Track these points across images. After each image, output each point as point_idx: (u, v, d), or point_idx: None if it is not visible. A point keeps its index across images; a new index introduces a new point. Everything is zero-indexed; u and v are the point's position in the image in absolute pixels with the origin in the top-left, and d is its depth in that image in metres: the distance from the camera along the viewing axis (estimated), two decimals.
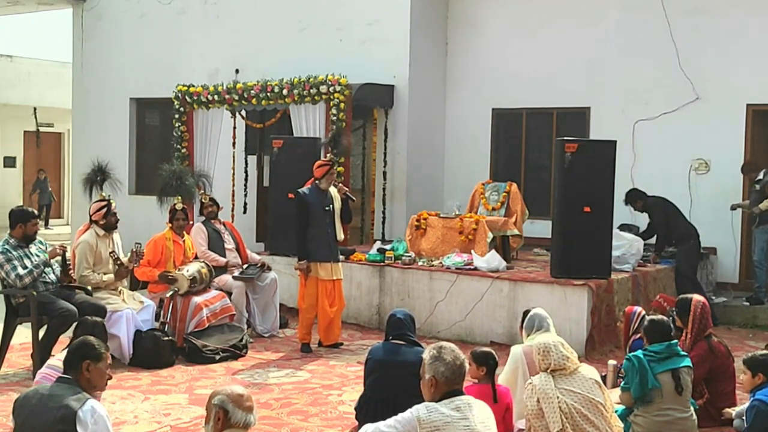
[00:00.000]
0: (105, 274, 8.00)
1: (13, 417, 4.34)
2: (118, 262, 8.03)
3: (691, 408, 5.74)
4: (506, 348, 7.43)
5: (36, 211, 7.79)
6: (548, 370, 5.19)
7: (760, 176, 10.23)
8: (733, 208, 10.57)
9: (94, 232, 8.02)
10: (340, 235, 8.70)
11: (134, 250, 8.07)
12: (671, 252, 10.47)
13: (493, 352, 5.70)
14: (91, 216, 8.11)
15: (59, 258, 7.67)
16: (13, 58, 20.51)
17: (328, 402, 6.89)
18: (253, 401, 3.96)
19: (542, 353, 5.23)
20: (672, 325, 5.96)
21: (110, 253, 8.01)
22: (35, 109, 15.28)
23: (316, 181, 8.57)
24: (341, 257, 9.36)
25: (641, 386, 5.59)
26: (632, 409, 5.71)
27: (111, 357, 7.04)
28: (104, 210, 8.04)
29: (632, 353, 5.77)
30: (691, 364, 5.77)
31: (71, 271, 7.85)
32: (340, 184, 8.81)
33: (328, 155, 8.57)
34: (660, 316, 6.13)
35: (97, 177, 8.51)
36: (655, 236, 10.41)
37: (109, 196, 8.25)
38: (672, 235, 10.32)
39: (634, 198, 10.46)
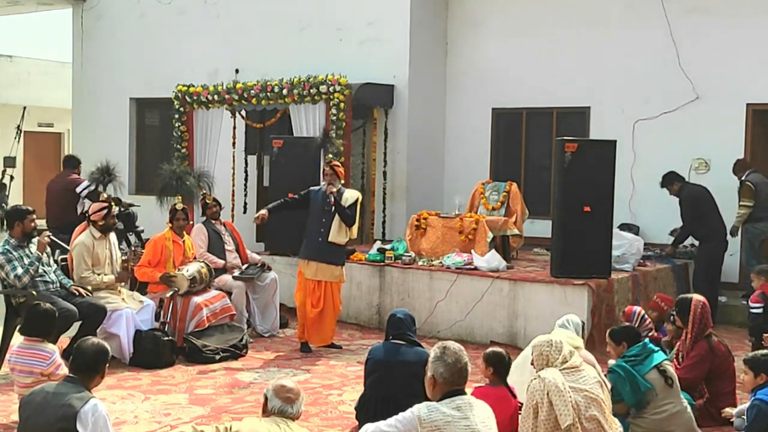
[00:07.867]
0: (104, 275, 8.00)
1: (19, 413, 4.46)
2: (125, 265, 8.05)
3: (684, 400, 5.78)
4: (505, 347, 7.43)
5: (30, 207, 7.76)
6: (558, 365, 5.17)
7: (743, 178, 10.16)
8: (733, 233, 10.31)
9: (90, 233, 8.01)
10: (335, 237, 8.40)
11: (134, 251, 8.11)
12: (690, 252, 10.42)
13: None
14: (89, 216, 8.13)
15: (58, 257, 7.67)
16: (13, 58, 20.50)
17: (328, 402, 6.89)
18: (299, 396, 4.25)
19: (553, 346, 5.22)
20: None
21: (122, 261, 8.05)
22: (25, 108, 15.42)
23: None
24: None
25: (634, 392, 5.62)
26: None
27: (111, 357, 6.94)
28: (105, 211, 8.05)
29: (614, 365, 5.80)
30: (666, 356, 5.87)
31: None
32: (330, 186, 8.39)
33: (328, 155, 8.56)
34: (625, 324, 6.35)
35: (103, 178, 8.53)
36: (686, 231, 10.16)
37: (109, 196, 8.25)
38: (697, 231, 10.11)
39: (671, 180, 10.19)
